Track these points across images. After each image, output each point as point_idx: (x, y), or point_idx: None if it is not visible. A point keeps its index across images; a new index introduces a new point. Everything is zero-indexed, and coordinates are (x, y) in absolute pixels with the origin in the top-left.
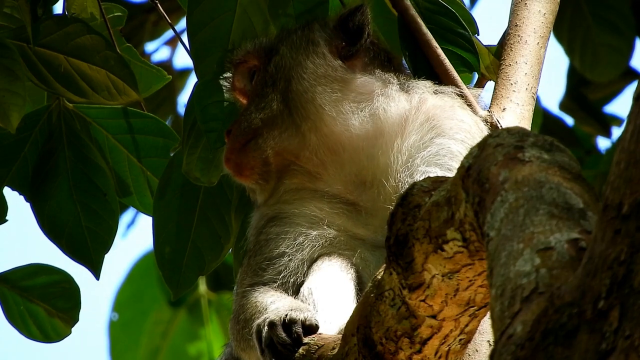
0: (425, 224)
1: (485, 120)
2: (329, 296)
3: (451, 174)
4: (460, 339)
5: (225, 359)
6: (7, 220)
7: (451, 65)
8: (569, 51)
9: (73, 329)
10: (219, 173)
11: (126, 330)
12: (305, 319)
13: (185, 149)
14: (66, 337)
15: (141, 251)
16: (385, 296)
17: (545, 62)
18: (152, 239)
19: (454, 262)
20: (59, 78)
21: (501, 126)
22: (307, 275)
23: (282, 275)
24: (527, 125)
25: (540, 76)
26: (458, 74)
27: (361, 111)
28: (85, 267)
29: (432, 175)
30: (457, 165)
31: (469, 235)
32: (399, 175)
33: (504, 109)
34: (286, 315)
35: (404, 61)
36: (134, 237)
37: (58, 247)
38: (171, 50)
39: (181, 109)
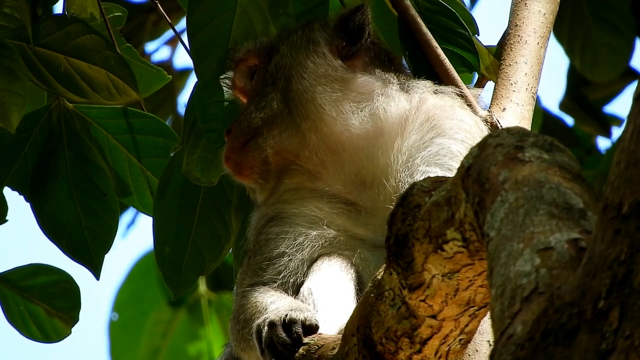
0: (425, 224)
1: (485, 120)
2: (329, 296)
3: (451, 173)
4: (460, 339)
5: (225, 359)
6: (7, 220)
7: (451, 65)
8: (569, 51)
9: (73, 329)
10: (219, 173)
11: (126, 330)
12: (305, 319)
13: (185, 149)
14: (66, 337)
15: (141, 251)
16: (385, 296)
17: (545, 62)
18: (152, 239)
19: (454, 262)
20: (59, 78)
21: (501, 126)
22: (307, 275)
23: (282, 275)
24: (527, 125)
25: (540, 76)
26: (458, 74)
27: (361, 111)
28: (85, 267)
29: (432, 175)
30: (457, 165)
31: (469, 235)
32: (399, 175)
33: (504, 109)
34: (286, 315)
35: (404, 61)
36: (134, 237)
37: (58, 247)
38: (171, 50)
39: (181, 109)
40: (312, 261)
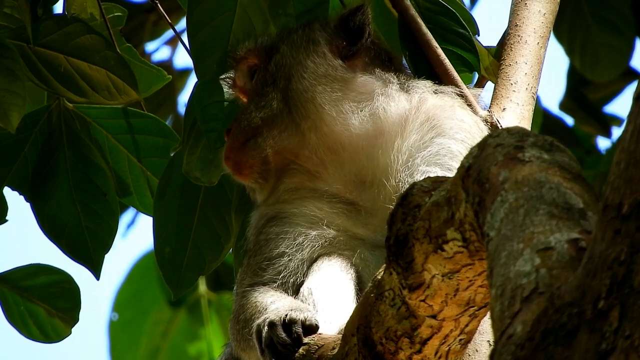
0: (425, 224)
1: (485, 120)
2: (328, 296)
3: (451, 173)
4: (460, 339)
5: (225, 359)
6: (7, 220)
7: (451, 65)
8: (569, 51)
9: (73, 329)
10: (219, 173)
11: (126, 330)
12: (305, 319)
13: (185, 149)
14: (66, 337)
15: (141, 251)
16: (385, 296)
17: (545, 62)
18: (152, 239)
19: (454, 262)
20: (59, 78)
21: (501, 126)
22: (306, 275)
23: (282, 275)
24: (527, 125)
25: (540, 76)
26: (458, 74)
27: (361, 111)
28: (85, 267)
29: (432, 175)
30: (457, 165)
31: (469, 235)
32: (399, 174)
33: (504, 109)
34: (286, 315)
35: (404, 61)
36: (134, 237)
37: (58, 247)
38: (171, 50)
39: (181, 108)
40: (312, 261)
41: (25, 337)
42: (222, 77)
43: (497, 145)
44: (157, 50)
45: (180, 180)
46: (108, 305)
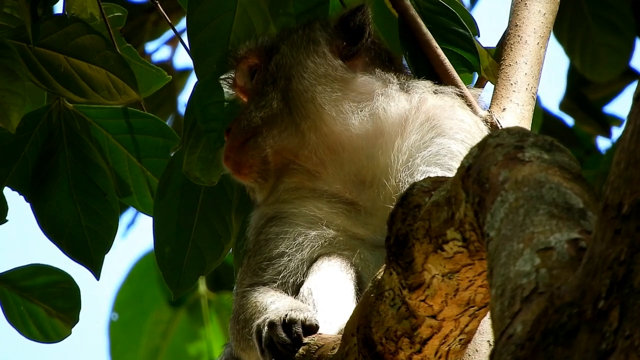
0: (425, 224)
1: (485, 120)
2: (328, 296)
3: (451, 173)
4: (460, 339)
5: (225, 359)
6: (7, 221)
7: (451, 65)
8: (569, 51)
9: (73, 329)
10: (219, 173)
11: (126, 330)
12: (305, 319)
13: (185, 149)
14: (66, 337)
15: (141, 251)
16: (385, 296)
17: (545, 62)
18: (152, 239)
19: (454, 262)
20: (59, 78)
21: (501, 126)
22: (306, 276)
23: (281, 275)
24: (527, 125)
25: (540, 76)
26: (458, 74)
27: (361, 111)
28: (85, 267)
29: (432, 175)
30: (457, 165)
31: (469, 235)
32: (399, 174)
33: (504, 109)
34: (286, 315)
35: (404, 61)
36: (134, 237)
37: (58, 247)
38: (172, 50)
39: (182, 108)
40: (312, 261)
41: (25, 337)
42: (222, 77)
43: (497, 145)
44: (157, 50)
45: (180, 180)
46: (108, 305)
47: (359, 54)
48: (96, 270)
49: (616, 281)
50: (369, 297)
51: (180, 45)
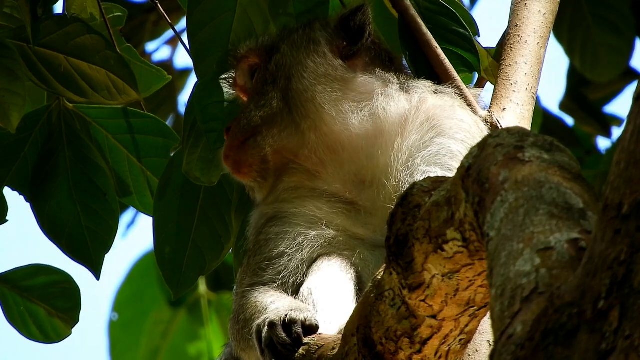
0: (425, 224)
1: (485, 120)
2: (328, 296)
3: (451, 173)
4: (460, 339)
5: (225, 359)
6: (7, 221)
7: (451, 65)
8: (569, 51)
9: (73, 329)
10: (219, 173)
11: (126, 330)
12: (305, 319)
13: (185, 149)
14: (66, 337)
15: (141, 251)
16: (385, 296)
17: (545, 62)
18: (152, 239)
19: (454, 262)
20: (59, 78)
21: (501, 126)
22: (306, 276)
23: (281, 275)
24: (527, 125)
25: (540, 76)
26: (458, 74)
27: (361, 110)
28: (85, 267)
29: (432, 174)
30: (457, 165)
31: (469, 235)
32: (399, 174)
33: (504, 109)
34: (286, 315)
35: (404, 61)
36: (134, 237)
37: (58, 247)
38: (172, 50)
39: (182, 108)
40: (312, 261)
41: (25, 337)
42: (222, 77)
43: (497, 145)
44: (157, 50)
45: (180, 180)
46: (108, 305)
47: (359, 54)
48: (96, 270)
49: (616, 281)
50: (369, 297)
51: (180, 45)
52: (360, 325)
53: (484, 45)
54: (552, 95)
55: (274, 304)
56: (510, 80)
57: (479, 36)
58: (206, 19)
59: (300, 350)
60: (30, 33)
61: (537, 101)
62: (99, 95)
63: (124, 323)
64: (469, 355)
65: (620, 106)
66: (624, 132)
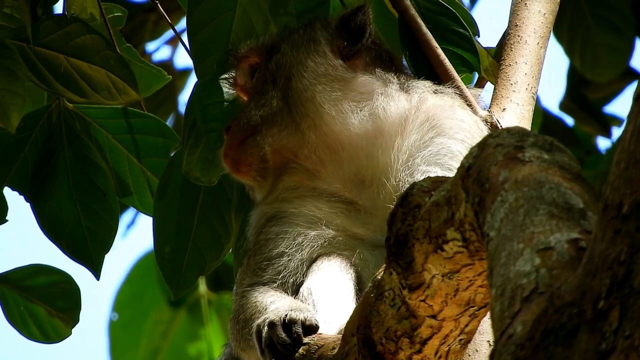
0: (425, 224)
1: (485, 120)
2: (328, 296)
3: (451, 173)
4: (460, 339)
5: (225, 359)
6: (7, 221)
7: (451, 65)
8: (569, 51)
9: (73, 329)
10: (219, 173)
11: (126, 330)
12: (305, 319)
13: (185, 149)
14: (66, 337)
15: (141, 251)
16: (385, 296)
17: (545, 62)
18: (152, 239)
19: (454, 262)
20: (59, 78)
21: (501, 126)
22: (306, 275)
23: (281, 275)
24: (527, 125)
25: (540, 76)
26: (458, 74)
27: (361, 110)
28: (85, 267)
29: (432, 174)
30: (457, 164)
31: (469, 235)
32: (399, 174)
33: (504, 109)
34: (286, 315)
35: (404, 61)
36: (134, 237)
37: (58, 247)
38: (172, 50)
39: (182, 108)
40: (312, 261)
41: (25, 337)
42: (222, 77)
43: (497, 145)
44: (157, 50)
45: (180, 180)
46: (108, 305)
47: (359, 54)
48: (96, 270)
49: (616, 281)
50: (369, 297)
51: (180, 45)
52: (360, 325)
53: (484, 45)
54: (552, 95)
55: (273, 303)
56: (510, 80)
57: (479, 36)
58: (206, 19)
59: (300, 350)
60: (30, 33)
61: (537, 101)
62: (99, 95)
63: (124, 323)
64: (469, 355)
65: (620, 106)
66: (624, 132)
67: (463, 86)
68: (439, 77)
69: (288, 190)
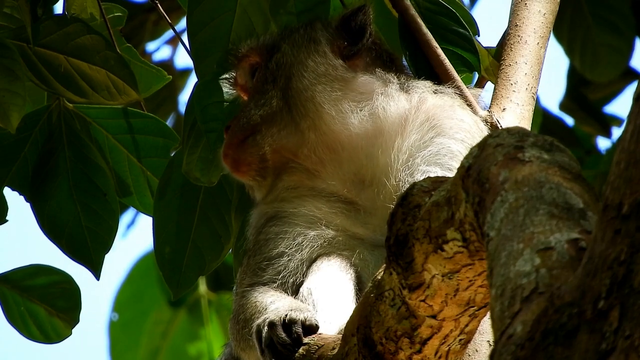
0: (425, 224)
1: (485, 120)
2: (328, 296)
3: (451, 173)
4: (460, 339)
5: (225, 359)
6: (7, 221)
7: (451, 65)
8: (569, 51)
9: (73, 329)
10: (219, 173)
11: (126, 330)
12: (305, 319)
13: (185, 149)
14: (66, 337)
15: (141, 251)
16: (385, 296)
17: (545, 62)
18: (152, 239)
19: (454, 262)
20: (59, 78)
21: (501, 126)
22: (306, 276)
23: (281, 275)
24: (527, 125)
25: (540, 76)
26: (458, 74)
27: (360, 110)
28: (85, 267)
29: (432, 174)
30: (457, 164)
31: (469, 235)
32: (399, 174)
33: (504, 109)
34: (286, 315)
35: (404, 61)
36: (134, 237)
37: (58, 247)
38: (172, 50)
39: (182, 108)
40: (312, 261)
41: (25, 337)
42: (222, 77)
43: (497, 145)
44: (158, 50)
45: (180, 180)
46: (108, 305)
47: (359, 54)
48: (96, 270)
49: (616, 281)
50: (369, 297)
51: (180, 45)
52: (360, 325)
53: (484, 45)
54: (552, 95)
55: (273, 303)
56: (510, 80)
57: (479, 36)
58: (206, 19)
59: (300, 350)
60: (30, 33)
61: (537, 101)
62: (99, 95)
63: (124, 323)
64: (469, 355)
65: (620, 106)
66: (624, 132)
67: (463, 86)
68: (439, 77)
69: (288, 190)
